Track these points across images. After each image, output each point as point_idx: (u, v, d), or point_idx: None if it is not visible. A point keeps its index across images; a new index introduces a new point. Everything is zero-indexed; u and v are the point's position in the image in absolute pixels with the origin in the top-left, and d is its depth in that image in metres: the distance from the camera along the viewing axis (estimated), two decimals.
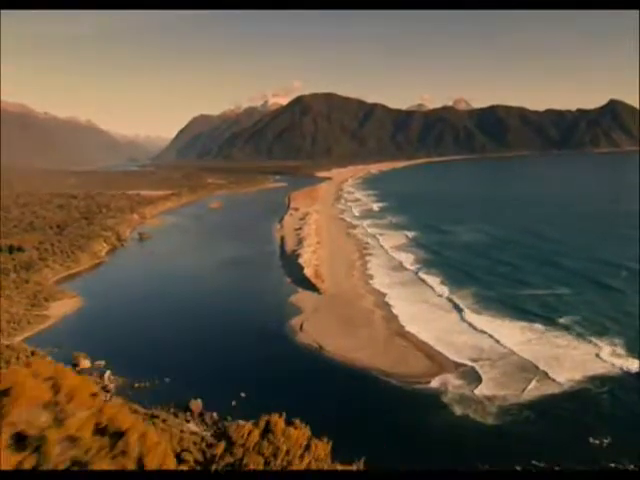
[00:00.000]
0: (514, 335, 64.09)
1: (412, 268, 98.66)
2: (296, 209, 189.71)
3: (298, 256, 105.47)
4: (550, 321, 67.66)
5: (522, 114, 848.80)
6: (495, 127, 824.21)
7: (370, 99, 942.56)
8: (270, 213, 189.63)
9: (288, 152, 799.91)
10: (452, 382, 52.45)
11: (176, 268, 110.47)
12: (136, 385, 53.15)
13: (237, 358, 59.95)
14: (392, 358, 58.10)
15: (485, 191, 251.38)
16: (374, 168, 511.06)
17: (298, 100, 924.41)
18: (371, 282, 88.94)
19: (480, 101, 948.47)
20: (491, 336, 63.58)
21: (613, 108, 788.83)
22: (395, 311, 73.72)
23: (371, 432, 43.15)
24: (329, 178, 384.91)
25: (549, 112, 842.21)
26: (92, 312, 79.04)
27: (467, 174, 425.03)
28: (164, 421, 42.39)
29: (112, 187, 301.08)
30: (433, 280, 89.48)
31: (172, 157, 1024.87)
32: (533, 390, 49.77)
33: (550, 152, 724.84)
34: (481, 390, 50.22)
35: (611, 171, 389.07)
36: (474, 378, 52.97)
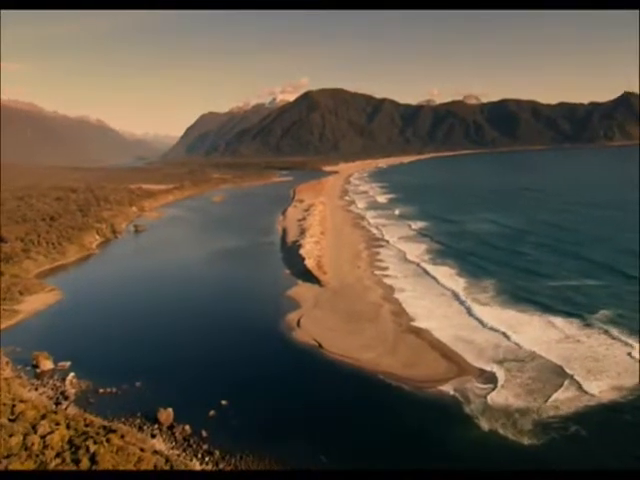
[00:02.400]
0: (537, 333, 55.41)
1: (422, 259, 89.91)
2: (301, 201, 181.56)
3: (299, 247, 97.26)
4: (574, 316, 58.91)
5: (533, 107, 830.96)
6: (506, 121, 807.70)
7: (378, 96, 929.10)
8: (274, 206, 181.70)
9: (296, 148, 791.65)
10: (473, 389, 44.01)
11: (167, 261, 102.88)
12: (101, 390, 45.28)
13: (222, 359, 51.91)
14: (403, 359, 49.69)
15: (492, 183, 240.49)
16: (382, 163, 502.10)
17: (306, 96, 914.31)
18: (378, 274, 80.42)
19: (490, 96, 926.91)
20: (513, 334, 54.89)
21: (627, 100, 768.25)
22: (405, 305, 65.23)
23: (381, 455, 34.79)
24: (336, 172, 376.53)
25: (561, 105, 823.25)
26: (68, 307, 71.50)
27: (476, 168, 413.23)
28: (122, 437, 34.41)
29: (115, 182, 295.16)
30: (446, 272, 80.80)
31: (180, 155, 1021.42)
32: (570, 401, 41.02)
33: (563, 146, 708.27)
34: (508, 399, 41.65)
35: (629, 164, 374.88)
36: (498, 384, 44.41)
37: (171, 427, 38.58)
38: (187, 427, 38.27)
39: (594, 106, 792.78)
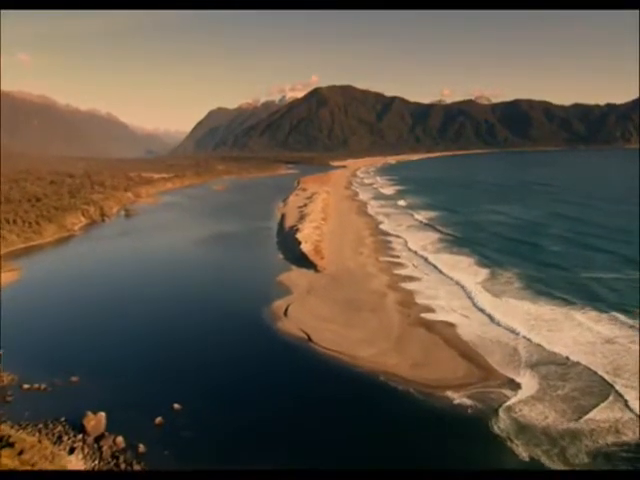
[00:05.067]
0: (571, 333, 45.34)
1: (434, 248, 79.78)
2: (304, 189, 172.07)
3: (296, 231, 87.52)
4: (608, 315, 49.02)
5: (546, 108, 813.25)
6: (518, 121, 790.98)
7: (388, 94, 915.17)
8: (276, 194, 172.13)
9: (304, 144, 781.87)
10: (501, 399, 34.00)
11: (153, 245, 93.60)
12: (26, 386, 35.79)
13: (186, 354, 42.11)
14: (411, 357, 39.74)
15: (502, 179, 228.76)
16: (391, 160, 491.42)
17: (315, 92, 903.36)
18: (384, 260, 70.46)
19: (502, 98, 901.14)
20: (543, 335, 44.73)
21: None
22: (414, 295, 55.18)
23: None
24: (344, 166, 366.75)
25: (575, 106, 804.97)
26: (24, 290, 62.26)
27: (486, 165, 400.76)
28: (20, 453, 24.81)
29: (117, 171, 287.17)
30: (461, 261, 70.74)
31: (189, 149, 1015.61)
32: (633, 423, 30.82)
33: (577, 147, 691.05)
34: (548, 417, 31.55)
35: None
36: (532, 395, 34.36)
37: (99, 438, 28.93)
38: (120, 439, 28.59)
39: (610, 107, 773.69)
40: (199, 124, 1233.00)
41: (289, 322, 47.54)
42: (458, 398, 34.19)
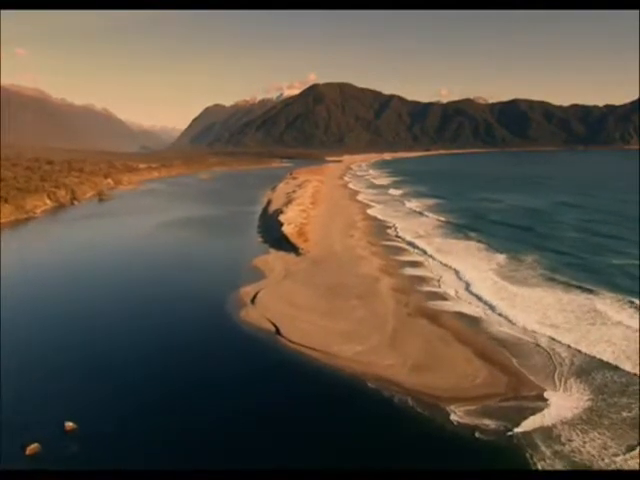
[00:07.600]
0: (616, 331, 35.23)
1: (434, 232, 69.93)
2: (295, 178, 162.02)
3: (280, 213, 77.47)
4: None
5: (545, 108, 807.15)
6: (516, 121, 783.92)
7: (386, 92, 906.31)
8: (266, 184, 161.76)
9: (300, 140, 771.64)
10: (537, 420, 24.05)
11: (119, 229, 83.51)
12: None
13: (112, 350, 31.82)
14: (411, 356, 29.62)
15: (499, 173, 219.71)
16: (388, 157, 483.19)
17: (312, 89, 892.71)
18: (378, 243, 60.42)
19: (500, 97, 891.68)
20: (581, 332, 34.56)
21: None
22: (414, 280, 45.05)
23: None
24: (339, 161, 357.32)
25: (574, 107, 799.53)
26: None
27: (484, 162, 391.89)
28: None
29: (103, 160, 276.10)
30: (468, 246, 60.90)
31: (185, 145, 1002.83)
32: None
33: (576, 148, 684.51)
34: (614, 452, 21.61)
35: None
36: (582, 415, 24.47)
37: None
38: None
39: (610, 108, 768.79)
40: (195, 121, 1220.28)
41: (255, 311, 37.32)
42: (476, 416, 24.22)
